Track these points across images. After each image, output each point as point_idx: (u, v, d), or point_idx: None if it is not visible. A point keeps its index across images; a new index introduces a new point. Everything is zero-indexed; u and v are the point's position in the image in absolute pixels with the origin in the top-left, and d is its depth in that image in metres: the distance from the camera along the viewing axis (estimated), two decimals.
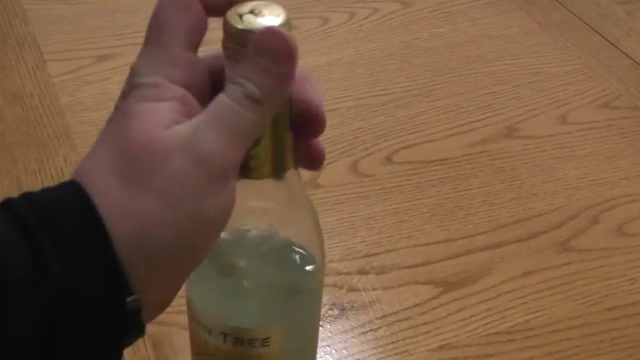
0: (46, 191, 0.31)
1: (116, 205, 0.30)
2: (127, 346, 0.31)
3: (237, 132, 0.31)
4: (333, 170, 0.72)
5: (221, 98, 0.32)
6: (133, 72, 0.33)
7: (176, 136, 0.31)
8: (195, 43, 0.34)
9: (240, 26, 0.31)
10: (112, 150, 0.31)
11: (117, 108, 0.32)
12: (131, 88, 0.32)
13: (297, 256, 0.40)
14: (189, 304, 0.40)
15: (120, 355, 0.31)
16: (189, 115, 0.32)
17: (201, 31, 0.34)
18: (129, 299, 0.30)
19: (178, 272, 0.33)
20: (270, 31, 0.31)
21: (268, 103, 0.32)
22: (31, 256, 0.28)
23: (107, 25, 0.90)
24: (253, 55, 0.31)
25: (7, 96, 0.80)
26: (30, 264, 0.28)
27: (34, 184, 0.70)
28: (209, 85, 0.34)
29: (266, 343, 0.39)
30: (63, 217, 0.29)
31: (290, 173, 0.36)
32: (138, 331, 0.31)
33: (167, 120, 0.31)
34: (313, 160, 0.37)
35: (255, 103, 0.31)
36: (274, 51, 0.31)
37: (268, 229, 0.38)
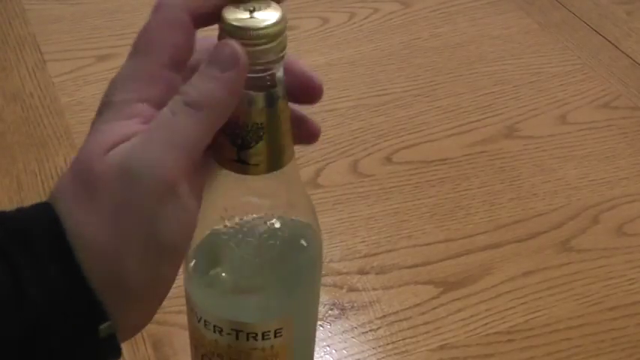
0: (20, 212, 0.30)
1: (81, 233, 0.29)
2: None
3: (173, 143, 0.30)
4: (333, 170, 0.72)
5: (160, 111, 0.31)
6: (110, 86, 0.32)
7: (115, 156, 0.30)
8: (179, 63, 0.33)
9: (235, 23, 0.32)
10: (73, 171, 0.31)
11: (92, 124, 0.32)
12: (104, 105, 0.32)
13: (300, 246, 0.40)
14: (191, 310, 0.40)
15: None
16: None
17: (187, 51, 0.33)
18: (102, 326, 0.30)
19: (150, 296, 0.32)
20: (221, 43, 0.31)
21: (209, 108, 0.31)
22: (9, 278, 0.28)
23: (107, 25, 0.90)
24: (203, 66, 0.31)
25: (7, 96, 0.80)
26: (7, 285, 0.28)
27: (34, 184, 0.70)
28: None
29: (279, 334, 0.39)
30: (36, 242, 0.29)
31: (289, 166, 0.36)
32: (114, 354, 0.31)
33: (117, 141, 0.30)
34: (310, 137, 0.37)
35: (193, 109, 0.31)
36: (219, 58, 0.31)
37: (270, 220, 0.38)
